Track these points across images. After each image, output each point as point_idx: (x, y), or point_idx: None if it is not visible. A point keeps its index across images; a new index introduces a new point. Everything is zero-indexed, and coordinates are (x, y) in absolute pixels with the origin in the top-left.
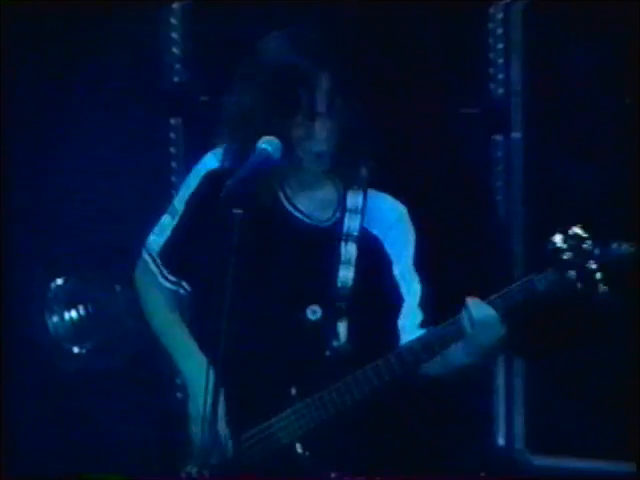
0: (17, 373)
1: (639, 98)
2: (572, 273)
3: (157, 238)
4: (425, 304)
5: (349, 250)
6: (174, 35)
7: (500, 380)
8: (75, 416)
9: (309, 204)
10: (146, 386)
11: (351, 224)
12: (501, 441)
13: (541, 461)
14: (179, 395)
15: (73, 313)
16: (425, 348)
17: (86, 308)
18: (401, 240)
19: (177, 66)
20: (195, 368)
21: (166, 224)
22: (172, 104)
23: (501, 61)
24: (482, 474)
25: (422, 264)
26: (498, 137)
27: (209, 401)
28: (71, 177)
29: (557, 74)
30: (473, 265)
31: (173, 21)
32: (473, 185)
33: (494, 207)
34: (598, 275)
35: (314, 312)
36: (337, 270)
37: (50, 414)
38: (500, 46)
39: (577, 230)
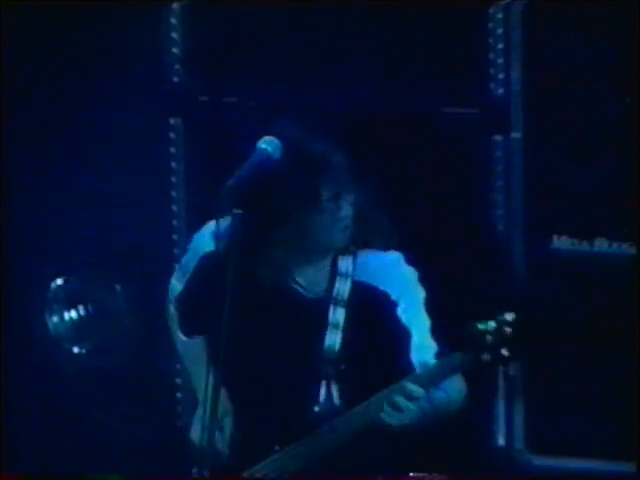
0: (17, 373)
1: (639, 98)
2: (486, 356)
3: (177, 284)
4: (437, 335)
5: (337, 315)
6: (174, 35)
7: (500, 380)
8: (75, 416)
9: (307, 278)
10: (146, 386)
11: (340, 288)
12: (501, 441)
13: (541, 461)
14: (179, 395)
15: (73, 313)
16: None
17: (86, 308)
18: (401, 281)
19: (177, 66)
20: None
21: (179, 276)
22: (172, 104)
23: (501, 61)
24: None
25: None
26: (498, 137)
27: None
28: (71, 177)
29: (557, 74)
30: (472, 265)
31: (173, 21)
32: (473, 185)
33: (494, 207)
34: (508, 361)
35: (303, 374)
36: (324, 334)
37: (50, 414)
38: (500, 46)
39: (508, 316)
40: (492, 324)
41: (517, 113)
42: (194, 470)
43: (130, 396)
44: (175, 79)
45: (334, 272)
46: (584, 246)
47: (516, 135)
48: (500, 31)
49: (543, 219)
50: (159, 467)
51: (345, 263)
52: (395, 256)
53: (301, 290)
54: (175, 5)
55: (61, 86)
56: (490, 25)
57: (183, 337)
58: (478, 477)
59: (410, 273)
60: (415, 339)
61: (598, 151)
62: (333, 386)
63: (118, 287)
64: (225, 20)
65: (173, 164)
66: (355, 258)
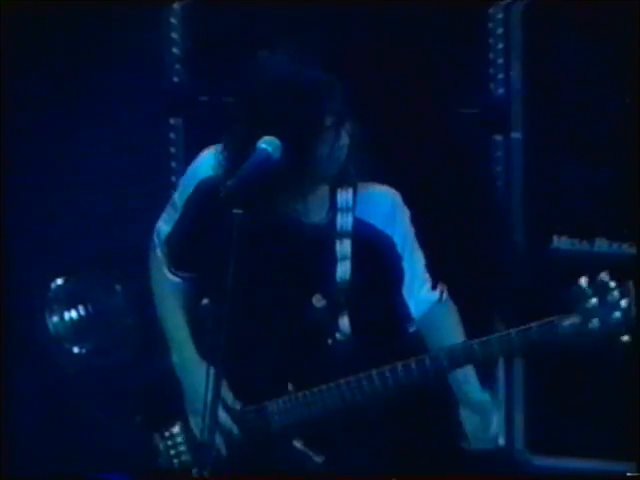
0: (17, 373)
1: (639, 98)
2: (595, 322)
3: (164, 226)
4: (431, 268)
5: (344, 247)
6: (174, 35)
7: (500, 380)
8: (75, 416)
9: (305, 207)
10: (146, 386)
11: (343, 222)
12: (501, 441)
13: (541, 461)
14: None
15: (73, 313)
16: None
17: (86, 308)
18: (399, 221)
19: (177, 66)
20: (189, 364)
21: (170, 215)
22: (172, 104)
23: (501, 61)
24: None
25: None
26: (498, 137)
27: (209, 395)
28: (71, 177)
29: (557, 74)
30: (475, 267)
31: (173, 21)
32: (473, 185)
33: (494, 207)
34: (622, 327)
35: (318, 300)
36: (335, 267)
37: (50, 414)
38: (500, 46)
39: (604, 278)
40: (591, 286)
41: (517, 113)
42: (194, 470)
43: (130, 396)
44: (175, 79)
45: (334, 205)
46: (584, 246)
47: (516, 135)
48: (500, 31)
49: (543, 219)
50: (159, 467)
51: (345, 197)
52: (392, 195)
53: (299, 218)
54: (175, 5)
55: (61, 86)
56: (490, 25)
57: (171, 277)
58: (478, 477)
59: (406, 213)
60: (408, 278)
61: (598, 151)
62: (347, 317)
63: (118, 287)
64: (225, 20)
65: (173, 164)
66: (355, 193)
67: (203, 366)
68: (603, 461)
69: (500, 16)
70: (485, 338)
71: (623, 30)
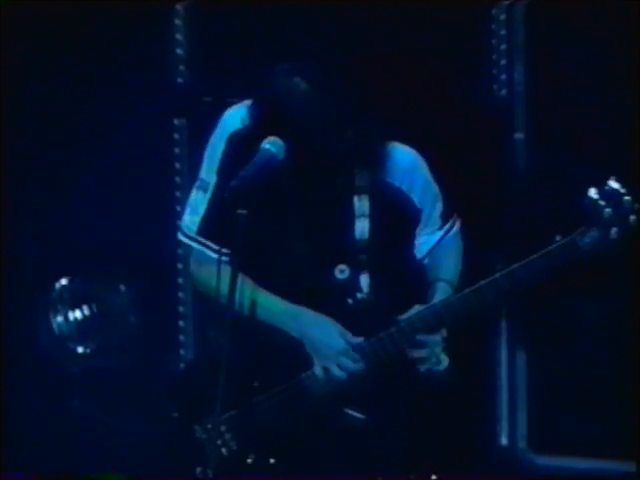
0: (21, 372)
1: None
2: (614, 230)
3: (192, 217)
4: (446, 216)
5: (362, 203)
6: (178, 36)
7: (503, 380)
8: (79, 415)
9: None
10: (150, 386)
11: (361, 179)
12: (504, 441)
13: (543, 460)
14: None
15: (78, 313)
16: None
17: (91, 308)
18: (418, 178)
19: (181, 67)
20: (299, 316)
21: (199, 200)
22: (176, 105)
23: (504, 62)
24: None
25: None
26: (501, 138)
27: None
28: (76, 177)
29: (559, 75)
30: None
31: (177, 22)
32: (475, 186)
33: (497, 207)
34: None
35: (342, 271)
36: (353, 224)
37: (54, 413)
38: (503, 47)
39: (614, 185)
40: (603, 196)
41: (520, 114)
42: (198, 469)
43: (134, 396)
44: (179, 80)
45: (352, 162)
46: None
47: (519, 136)
48: (503, 32)
49: (545, 219)
50: (163, 467)
51: (363, 153)
52: (412, 153)
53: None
54: (179, 6)
55: (66, 86)
56: (493, 26)
57: (217, 256)
58: (481, 476)
59: (425, 167)
60: (423, 222)
61: (600, 151)
62: (367, 276)
63: (122, 287)
64: (229, 21)
65: (177, 165)
66: (375, 151)
67: (309, 312)
68: (604, 460)
69: (503, 17)
70: (507, 269)
71: (624, 31)
